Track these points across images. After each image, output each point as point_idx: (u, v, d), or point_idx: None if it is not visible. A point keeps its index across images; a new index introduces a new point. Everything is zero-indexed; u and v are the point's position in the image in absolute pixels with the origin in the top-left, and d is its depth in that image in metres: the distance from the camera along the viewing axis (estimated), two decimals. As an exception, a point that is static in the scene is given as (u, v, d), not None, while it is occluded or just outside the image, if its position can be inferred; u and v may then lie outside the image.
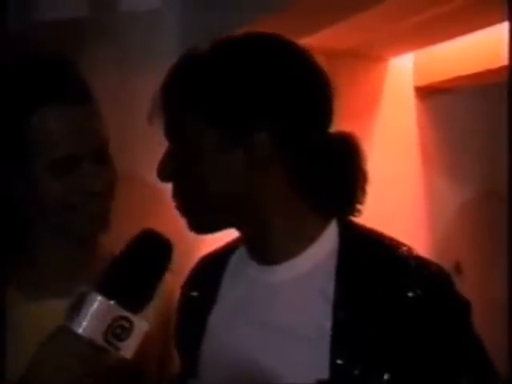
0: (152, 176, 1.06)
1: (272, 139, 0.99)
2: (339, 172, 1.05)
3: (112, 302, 0.90)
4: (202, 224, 1.06)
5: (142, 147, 1.34)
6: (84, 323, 0.89)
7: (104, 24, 1.97)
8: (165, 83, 1.05)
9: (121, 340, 0.91)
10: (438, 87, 2.22)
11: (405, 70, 2.25)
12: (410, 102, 2.26)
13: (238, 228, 1.08)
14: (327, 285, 1.00)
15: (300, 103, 1.01)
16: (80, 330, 0.88)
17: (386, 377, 0.95)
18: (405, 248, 1.02)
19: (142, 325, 0.92)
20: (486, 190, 2.34)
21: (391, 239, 1.04)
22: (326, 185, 1.05)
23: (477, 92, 2.23)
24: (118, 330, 0.91)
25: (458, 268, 1.92)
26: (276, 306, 1.05)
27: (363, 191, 1.05)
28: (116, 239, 1.09)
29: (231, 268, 1.14)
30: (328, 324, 0.97)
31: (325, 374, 0.96)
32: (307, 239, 1.05)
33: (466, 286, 1.04)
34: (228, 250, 1.15)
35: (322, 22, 1.79)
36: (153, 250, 0.95)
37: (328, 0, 1.58)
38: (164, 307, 1.24)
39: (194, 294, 1.18)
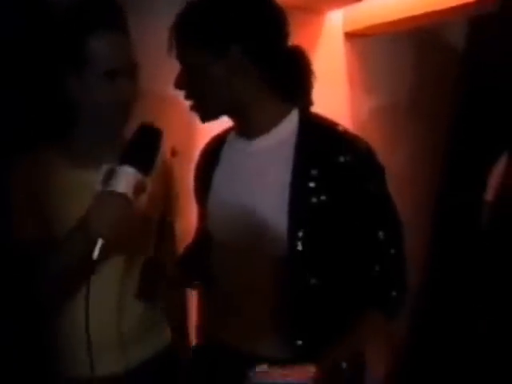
0: (171, 88, 1.19)
1: (244, 50, 1.10)
2: (295, 71, 1.18)
3: (134, 170, 1.04)
4: (207, 115, 1.19)
5: (162, 68, 1.36)
6: (121, 185, 1.03)
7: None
8: (173, 25, 1.17)
9: (139, 194, 1.06)
10: (362, 33, 2.39)
11: (337, 19, 2.42)
12: (340, 43, 2.46)
13: (230, 115, 1.19)
14: (289, 154, 1.11)
15: (260, 26, 1.12)
16: (119, 190, 1.03)
17: (328, 230, 1.07)
18: (341, 128, 1.16)
19: (149, 184, 1.07)
20: (392, 102, 2.51)
21: (334, 122, 1.16)
22: (286, 80, 1.18)
23: (390, 37, 2.42)
24: (138, 189, 1.05)
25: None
26: (254, 168, 1.16)
27: (312, 84, 1.19)
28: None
29: (227, 142, 1.28)
30: (288, 181, 1.10)
31: (285, 212, 1.08)
32: (275, 121, 1.16)
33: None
34: (227, 132, 1.31)
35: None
36: (150, 135, 1.09)
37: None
38: (164, 175, 1.39)
39: (205, 160, 1.33)
